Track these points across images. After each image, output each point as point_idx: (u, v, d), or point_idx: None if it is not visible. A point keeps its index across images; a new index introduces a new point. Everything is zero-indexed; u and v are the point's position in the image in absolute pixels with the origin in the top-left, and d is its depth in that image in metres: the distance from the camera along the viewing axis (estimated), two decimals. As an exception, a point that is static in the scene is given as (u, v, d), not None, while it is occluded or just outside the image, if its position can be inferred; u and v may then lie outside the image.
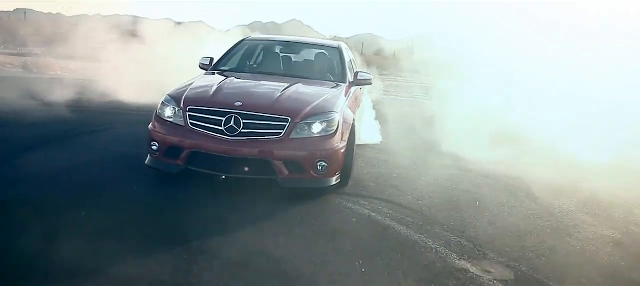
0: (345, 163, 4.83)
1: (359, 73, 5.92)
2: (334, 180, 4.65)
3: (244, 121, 4.45)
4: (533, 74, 10.11)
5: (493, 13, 11.53)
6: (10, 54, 18.14)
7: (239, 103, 4.58)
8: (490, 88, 9.79)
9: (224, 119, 4.47)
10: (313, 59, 6.47)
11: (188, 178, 4.60)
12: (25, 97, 8.96)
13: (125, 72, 12.93)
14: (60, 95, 9.45)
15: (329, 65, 6.19)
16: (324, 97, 5.00)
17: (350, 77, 5.88)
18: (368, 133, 7.51)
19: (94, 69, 14.85)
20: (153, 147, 4.71)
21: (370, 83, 6.05)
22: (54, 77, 13.14)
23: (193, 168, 4.56)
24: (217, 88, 4.92)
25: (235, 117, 4.46)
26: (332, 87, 5.47)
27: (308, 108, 4.64)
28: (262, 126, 4.48)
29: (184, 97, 4.73)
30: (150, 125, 4.82)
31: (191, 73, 6.09)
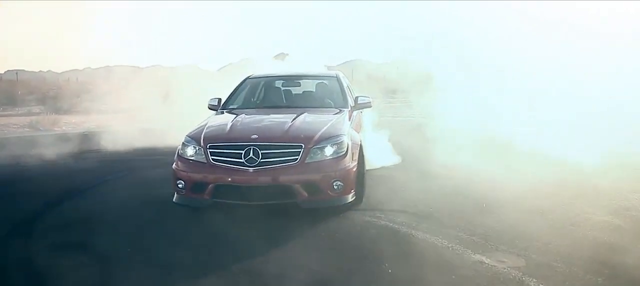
0: (358, 181, 5.20)
1: (359, 97, 6.35)
2: (350, 198, 5.02)
3: (262, 151, 4.85)
4: (531, 74, 10.36)
5: (491, 14, 11.84)
6: (13, 115, 18.53)
7: (255, 136, 4.99)
8: (484, 94, 10.12)
9: (243, 152, 4.86)
10: (313, 90, 6.92)
11: (216, 211, 4.94)
12: (40, 153, 9.33)
13: (124, 120, 13.36)
14: (71, 148, 9.85)
15: (329, 93, 6.63)
16: (331, 122, 5.42)
17: (351, 102, 6.31)
18: (384, 155, 7.90)
19: (95, 120, 15.31)
20: (179, 185, 5.10)
21: (370, 106, 6.48)
22: (60, 132, 13.52)
23: (219, 201, 4.93)
24: (232, 125, 5.33)
25: (253, 148, 4.85)
26: (336, 113, 5.88)
27: (319, 134, 5.04)
28: (278, 154, 4.88)
29: (203, 136, 5.14)
30: (173, 165, 5.21)
31: (188, 117, 6.54)
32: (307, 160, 4.88)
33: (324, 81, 6.93)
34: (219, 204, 4.95)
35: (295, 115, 5.56)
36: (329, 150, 4.97)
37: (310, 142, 4.94)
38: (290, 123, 5.28)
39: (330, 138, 5.04)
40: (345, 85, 6.79)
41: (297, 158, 4.87)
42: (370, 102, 6.36)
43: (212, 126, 5.48)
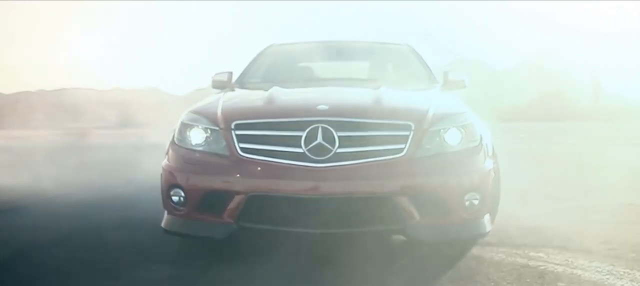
0: (494, 196, 3.00)
1: (449, 73, 4.09)
2: (487, 222, 2.80)
3: (339, 134, 2.57)
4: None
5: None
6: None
7: (324, 106, 2.71)
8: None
9: (304, 134, 2.58)
10: (375, 62, 4.60)
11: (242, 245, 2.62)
12: None
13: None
14: None
15: (401, 67, 4.37)
16: (439, 96, 3.23)
17: (438, 79, 4.07)
18: None
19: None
20: (174, 198, 2.76)
21: (464, 86, 4.21)
22: None
23: (252, 227, 2.62)
24: (269, 95, 3.02)
25: (323, 128, 2.56)
26: (428, 90, 3.66)
27: (432, 109, 2.81)
28: (368, 140, 2.64)
29: (221, 110, 2.84)
30: (164, 162, 2.87)
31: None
32: (420, 154, 2.63)
33: (391, 51, 4.62)
34: (249, 232, 2.71)
35: (371, 87, 3.28)
36: (454, 135, 2.76)
37: (424, 119, 2.70)
38: (377, 91, 3.03)
39: (452, 116, 2.83)
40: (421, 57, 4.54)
41: (403, 147, 2.61)
42: (464, 80, 4.09)
43: (233, 98, 3.20)
